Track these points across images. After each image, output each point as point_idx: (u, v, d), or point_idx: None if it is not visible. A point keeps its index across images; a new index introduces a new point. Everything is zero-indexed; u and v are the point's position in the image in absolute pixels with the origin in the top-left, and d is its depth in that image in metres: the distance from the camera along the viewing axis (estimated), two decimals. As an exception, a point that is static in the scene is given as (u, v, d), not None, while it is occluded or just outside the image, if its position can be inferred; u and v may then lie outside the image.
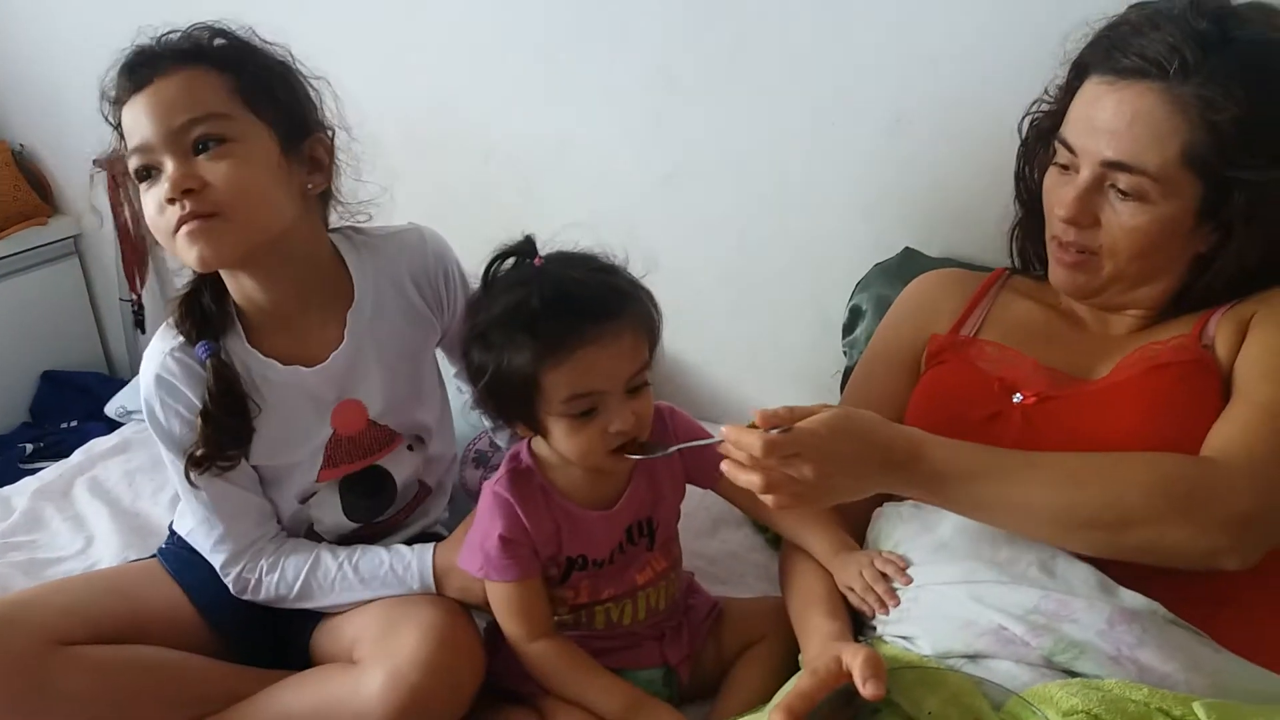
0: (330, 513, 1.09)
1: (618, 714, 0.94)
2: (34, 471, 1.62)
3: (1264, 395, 0.85)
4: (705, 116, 1.40)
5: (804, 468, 0.79)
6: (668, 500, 1.02)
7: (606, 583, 0.99)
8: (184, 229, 0.91)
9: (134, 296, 2.08)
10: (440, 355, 1.15)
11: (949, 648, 0.82)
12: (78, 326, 2.24)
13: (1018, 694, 0.76)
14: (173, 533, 1.16)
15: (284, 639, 1.09)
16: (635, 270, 0.95)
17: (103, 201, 2.04)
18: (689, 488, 1.05)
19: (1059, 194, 0.95)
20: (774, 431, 0.79)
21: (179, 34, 0.96)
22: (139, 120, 0.92)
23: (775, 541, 1.24)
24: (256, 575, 1.05)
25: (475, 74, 1.56)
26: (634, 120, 1.46)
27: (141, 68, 0.93)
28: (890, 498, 0.99)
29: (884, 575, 0.90)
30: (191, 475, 1.00)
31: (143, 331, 2.11)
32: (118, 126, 0.96)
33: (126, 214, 2.01)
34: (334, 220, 1.07)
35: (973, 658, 0.81)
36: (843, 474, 0.81)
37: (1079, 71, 0.96)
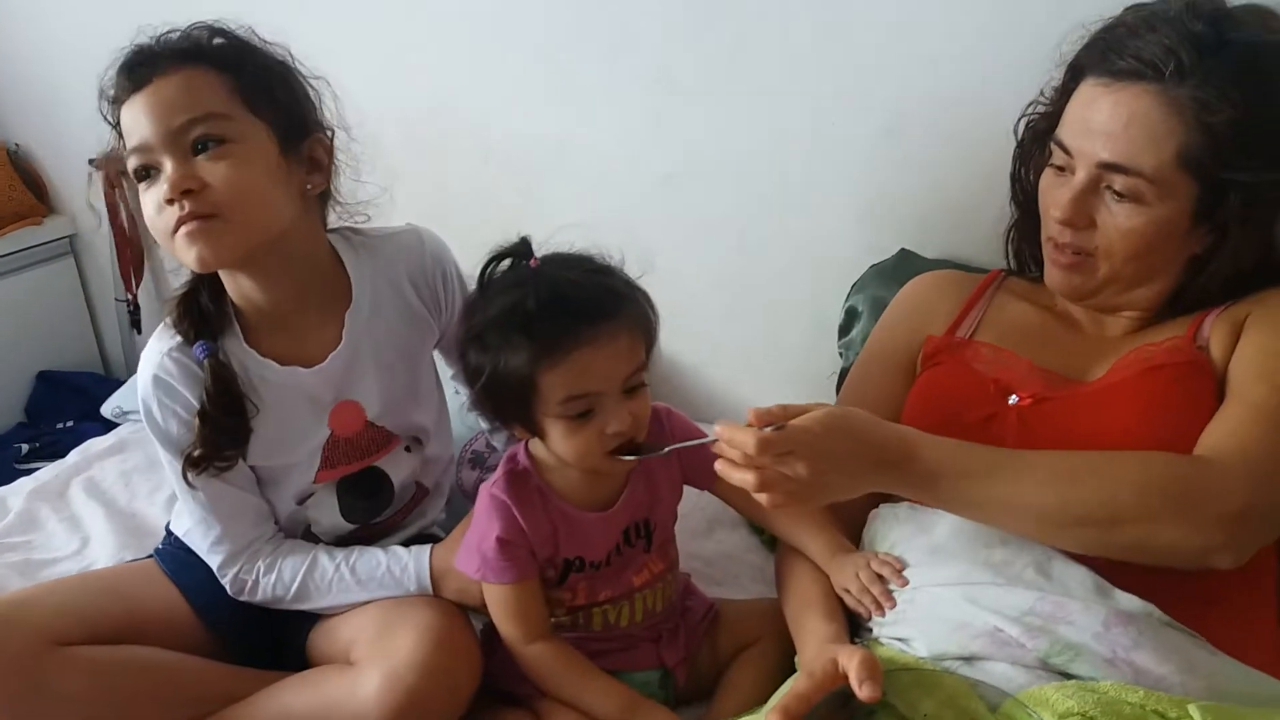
0: (327, 514, 1.09)
1: (614, 716, 0.94)
2: (29, 472, 1.62)
3: (1258, 396, 0.86)
4: (704, 117, 1.40)
5: (798, 466, 0.79)
6: (665, 502, 1.02)
7: (604, 584, 0.99)
8: (183, 229, 0.91)
9: (129, 296, 2.08)
10: (438, 356, 1.15)
11: (945, 649, 0.82)
12: (73, 326, 2.23)
13: (1013, 696, 0.76)
14: (169, 533, 1.16)
15: (281, 640, 1.09)
16: (632, 271, 0.95)
17: (99, 201, 2.03)
18: (686, 489, 1.05)
19: (1055, 195, 0.96)
20: (768, 429, 0.79)
21: (178, 33, 0.96)
22: (138, 120, 0.92)
23: (771, 543, 1.24)
24: (254, 576, 1.05)
25: (474, 74, 1.56)
26: (633, 121, 1.46)
27: (140, 67, 0.93)
28: (886, 499, 1.00)
29: (880, 577, 0.90)
30: (189, 476, 1.00)
31: (138, 332, 2.11)
32: (116, 126, 0.96)
33: (122, 214, 2.01)
34: (332, 220, 1.07)
35: (968, 660, 0.81)
36: (836, 472, 0.81)
37: (1075, 73, 0.96)
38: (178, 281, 1.05)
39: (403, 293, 1.07)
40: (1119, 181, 0.90)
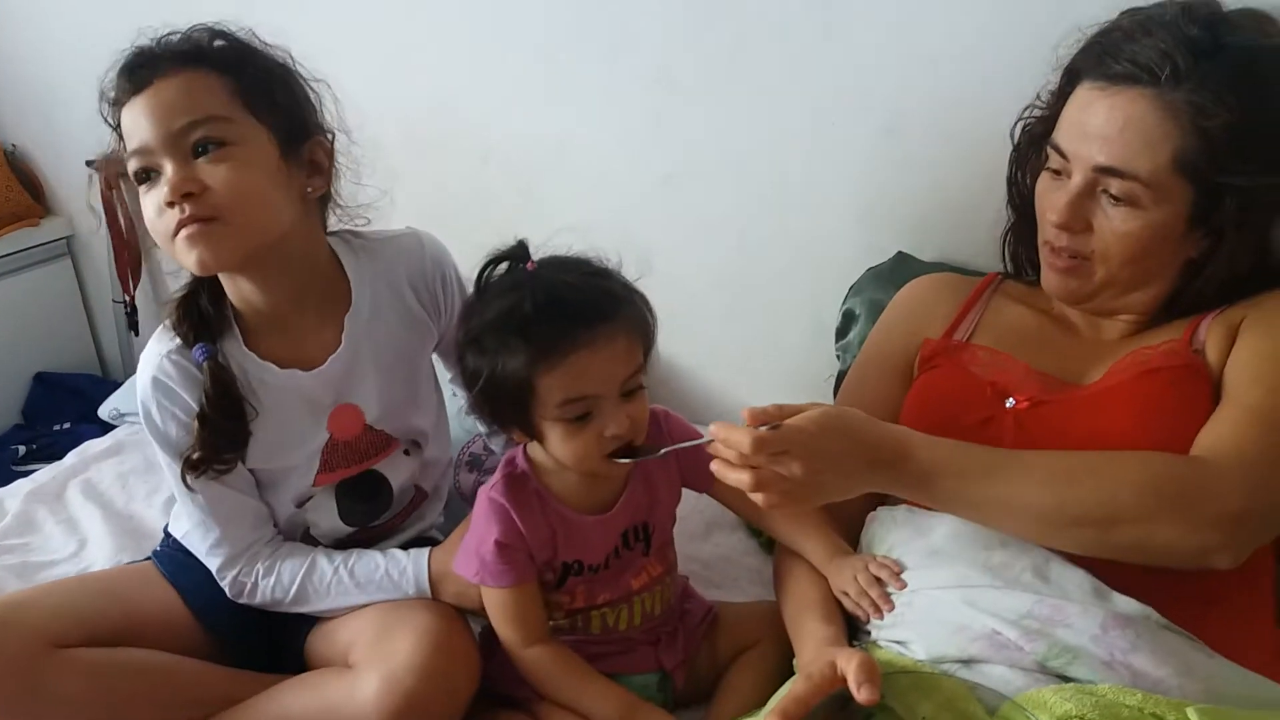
0: (326, 517, 1.09)
1: (612, 719, 0.94)
2: (27, 474, 1.62)
3: (1253, 398, 0.86)
4: (703, 118, 1.40)
5: (793, 465, 0.79)
6: (663, 504, 1.02)
7: (602, 588, 0.99)
8: (183, 232, 0.91)
9: (127, 298, 2.07)
10: (436, 360, 1.15)
11: (943, 652, 0.83)
12: (70, 328, 2.23)
13: (1011, 699, 0.76)
14: (168, 535, 1.16)
15: (279, 642, 1.09)
16: (631, 273, 0.94)
17: (99, 202, 2.03)
18: (684, 491, 1.05)
19: (1051, 199, 0.96)
20: (763, 429, 0.79)
21: (179, 35, 0.95)
22: (138, 122, 0.92)
23: (769, 545, 1.24)
24: (253, 579, 1.05)
25: (474, 75, 1.56)
26: (632, 122, 1.46)
27: (141, 69, 0.93)
28: (884, 502, 1.00)
29: (878, 580, 0.90)
30: (188, 478, 1.00)
31: (136, 333, 2.10)
32: (117, 128, 0.96)
33: (120, 215, 2.01)
34: (332, 223, 1.07)
35: (967, 662, 0.82)
36: (831, 472, 0.81)
37: (1071, 77, 0.97)
38: (175, 283, 1.05)
39: (402, 296, 1.07)
40: (1115, 185, 0.90)
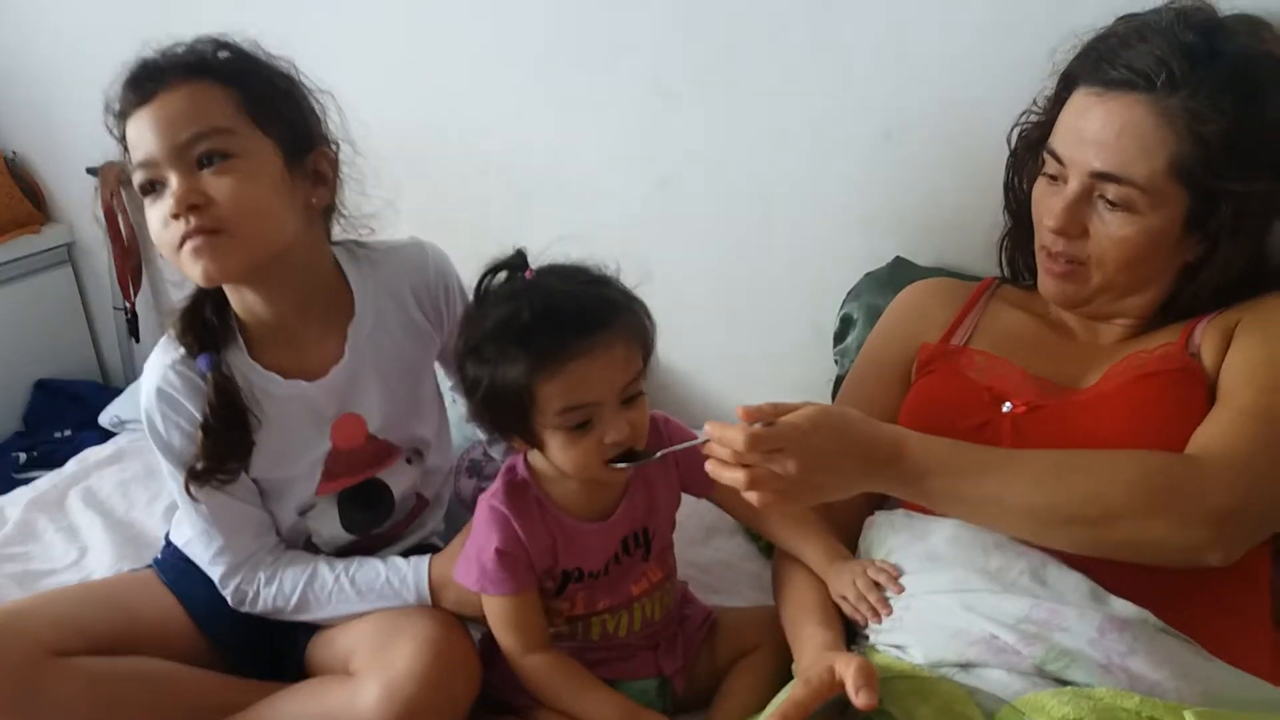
0: (328, 525, 1.09)
1: (612, 725, 0.94)
2: (27, 481, 1.62)
3: (1246, 400, 0.86)
4: (700, 125, 1.40)
5: (787, 463, 0.79)
6: (663, 510, 1.02)
7: (602, 594, 0.99)
8: (188, 244, 0.92)
9: (128, 305, 2.07)
10: (438, 368, 1.15)
11: (941, 657, 0.83)
12: (71, 335, 2.23)
13: (1010, 703, 0.76)
14: (169, 543, 1.16)
15: (279, 650, 1.09)
16: (629, 280, 0.95)
17: (95, 207, 2.04)
18: (683, 496, 1.05)
19: (1048, 204, 0.96)
20: (757, 426, 0.79)
21: (184, 47, 0.96)
22: (143, 135, 0.92)
23: (768, 550, 1.24)
24: (255, 588, 1.05)
25: (474, 86, 1.57)
26: (630, 130, 1.46)
27: (146, 81, 0.93)
28: (882, 505, 1.00)
29: (876, 584, 0.91)
30: (192, 488, 1.00)
31: (137, 340, 2.11)
32: (122, 139, 0.96)
33: (121, 222, 2.01)
34: (336, 233, 1.07)
35: (965, 666, 0.82)
36: (826, 470, 0.81)
37: (1067, 83, 0.97)
38: (177, 291, 1.05)
39: (405, 306, 1.07)
40: (1111, 191, 0.91)
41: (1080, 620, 0.80)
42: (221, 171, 0.91)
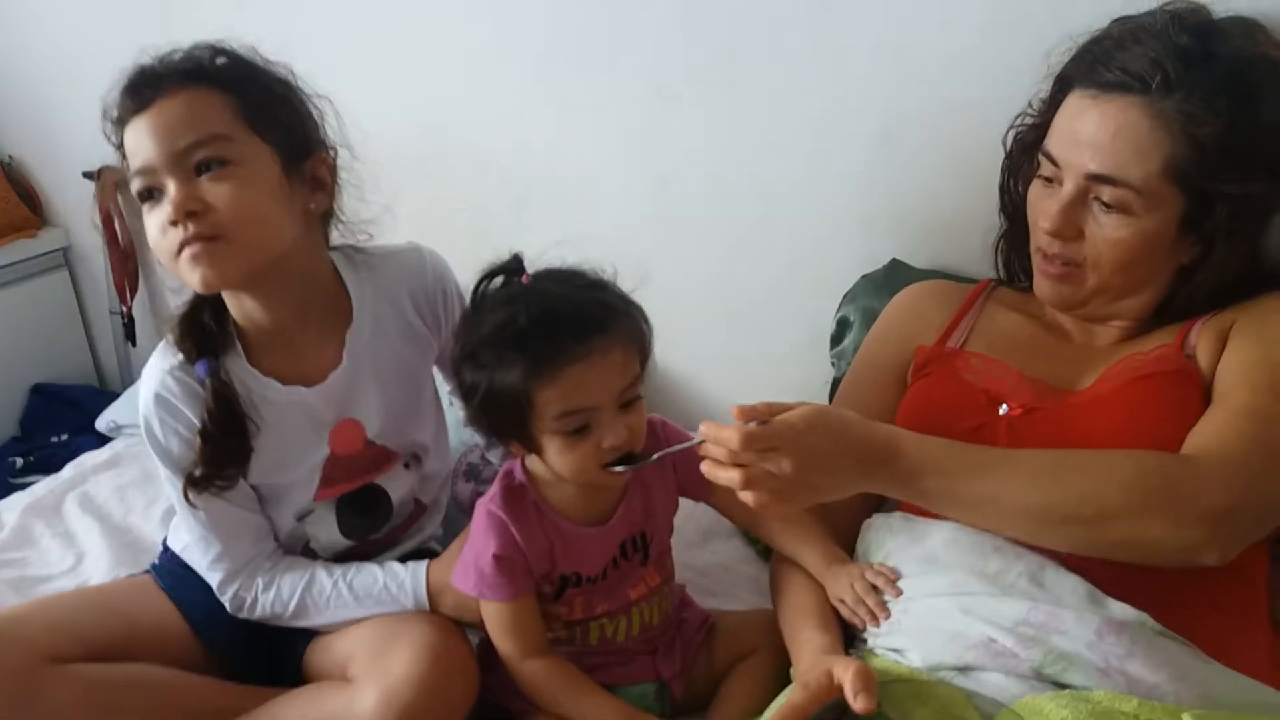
0: (326, 530, 1.09)
1: (611, 732, 0.94)
2: (24, 486, 1.62)
3: (1241, 401, 0.86)
4: (697, 128, 1.40)
5: (782, 462, 0.79)
6: (661, 513, 1.02)
7: (600, 599, 0.99)
8: (187, 251, 0.92)
9: (124, 309, 2.07)
10: (437, 372, 1.15)
11: (939, 660, 0.83)
12: (68, 339, 2.23)
13: (1008, 706, 0.76)
14: (166, 548, 1.16)
15: (277, 656, 1.09)
16: (627, 283, 0.95)
17: (94, 214, 2.03)
18: (680, 500, 1.05)
19: (1043, 206, 0.96)
20: (751, 425, 0.79)
21: (181, 54, 0.96)
22: (141, 142, 0.92)
23: (766, 553, 1.24)
24: (253, 594, 1.05)
25: (472, 90, 1.57)
26: (628, 133, 1.46)
27: (143, 88, 0.93)
28: (880, 508, 1.00)
29: (874, 588, 0.91)
30: (190, 494, 1.00)
31: (133, 344, 2.10)
32: (120, 146, 0.96)
33: (117, 226, 2.01)
34: (334, 238, 1.07)
35: (963, 670, 0.82)
36: (821, 470, 0.81)
37: (1062, 85, 0.97)
38: (174, 295, 1.05)
39: (404, 311, 1.07)
40: (1107, 193, 0.91)
41: (1078, 623, 0.80)
42: (219, 178, 0.91)
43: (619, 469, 0.90)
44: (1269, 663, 0.85)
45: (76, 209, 2.14)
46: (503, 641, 0.97)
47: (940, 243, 1.29)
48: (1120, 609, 0.81)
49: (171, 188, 0.91)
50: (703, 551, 1.30)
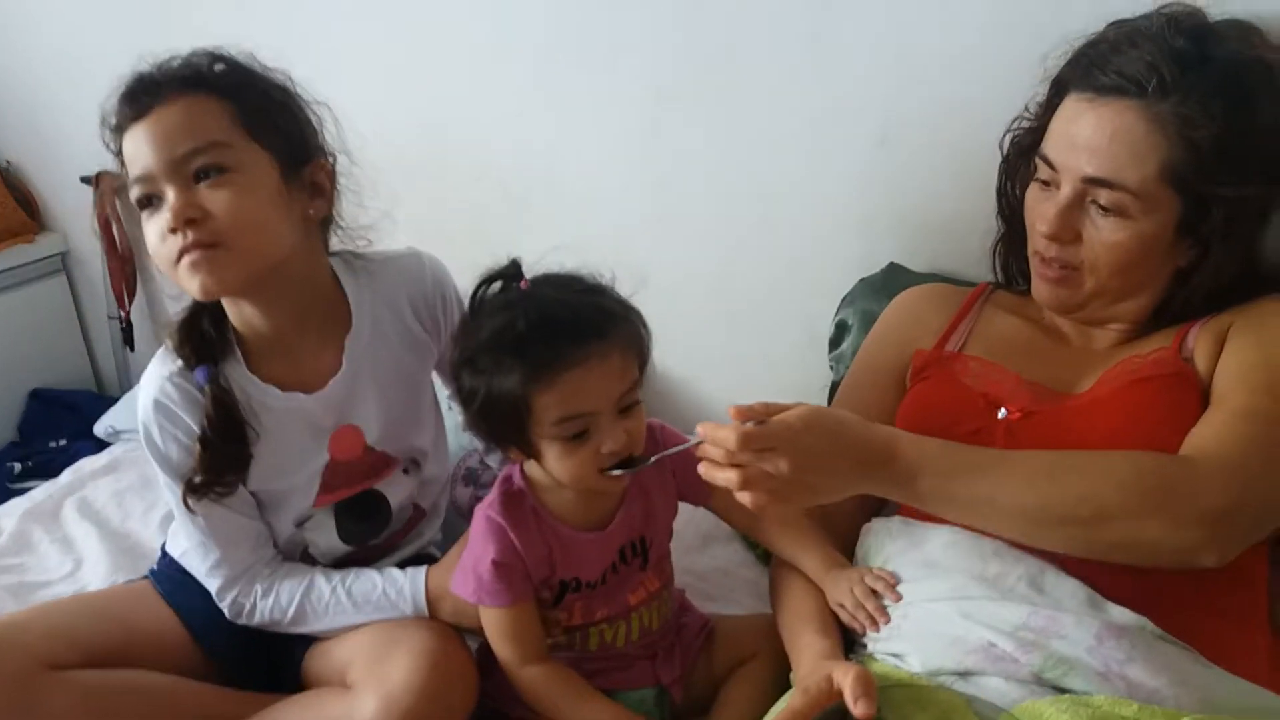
0: (325, 536, 1.09)
1: (610, 737, 0.94)
2: (22, 491, 1.62)
3: (1239, 402, 0.86)
4: (696, 132, 1.40)
5: (780, 462, 0.79)
6: (660, 518, 1.02)
7: (600, 604, 0.99)
8: (186, 259, 0.92)
9: (122, 314, 2.07)
10: (436, 378, 1.15)
11: (939, 665, 0.83)
12: (66, 344, 2.23)
13: (1008, 711, 0.76)
14: (164, 554, 1.16)
15: (276, 662, 1.09)
16: (625, 288, 0.94)
17: (91, 219, 2.03)
18: (679, 504, 1.05)
19: (1040, 210, 0.96)
20: (749, 425, 0.79)
21: (180, 61, 0.96)
22: (140, 149, 0.92)
23: (765, 558, 1.24)
24: (252, 600, 1.05)
25: (471, 94, 1.57)
26: (627, 137, 1.46)
27: (142, 95, 0.93)
28: (878, 512, 1.00)
29: (874, 592, 0.91)
30: (189, 501, 1.00)
31: (131, 349, 2.10)
32: (118, 154, 0.96)
33: (115, 231, 2.01)
34: (333, 244, 1.07)
35: (963, 675, 0.82)
36: (818, 470, 0.81)
37: (1059, 88, 0.97)
38: (172, 301, 1.05)
39: (403, 317, 1.07)
40: (1104, 196, 0.91)
41: (1078, 628, 0.80)
42: (218, 185, 0.92)
43: (617, 473, 0.90)
44: (1269, 667, 0.85)
45: (74, 214, 2.13)
46: (502, 647, 0.97)
47: (939, 245, 1.29)
48: (1120, 613, 0.81)
49: (170, 195, 0.91)
50: (702, 556, 1.30)
